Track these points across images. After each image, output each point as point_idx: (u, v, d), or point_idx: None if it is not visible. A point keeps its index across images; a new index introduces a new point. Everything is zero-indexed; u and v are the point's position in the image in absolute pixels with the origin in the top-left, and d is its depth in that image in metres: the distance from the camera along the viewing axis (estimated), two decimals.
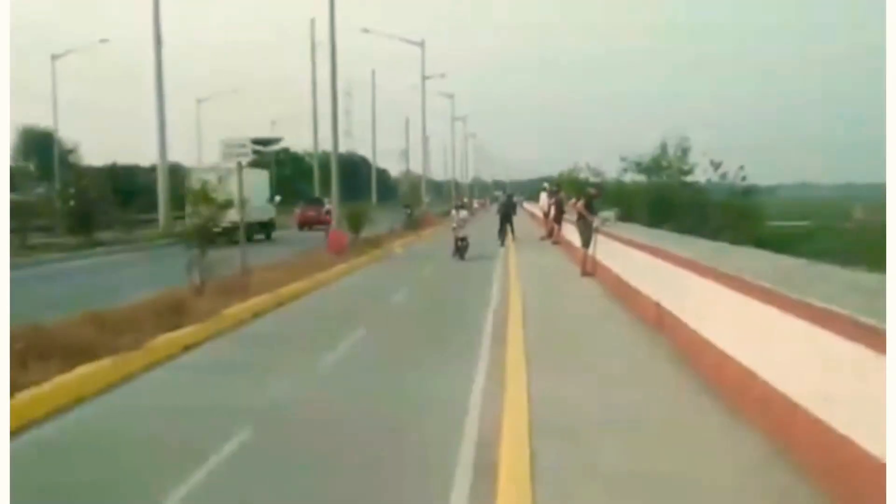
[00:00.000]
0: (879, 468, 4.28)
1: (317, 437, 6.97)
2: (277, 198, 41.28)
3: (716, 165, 32.46)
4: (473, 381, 8.80)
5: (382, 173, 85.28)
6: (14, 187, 45.12)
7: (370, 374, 9.49)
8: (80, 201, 36.84)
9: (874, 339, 4.40)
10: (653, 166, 33.73)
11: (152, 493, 5.53)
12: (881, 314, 4.63)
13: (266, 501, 5.51)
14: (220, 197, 15.70)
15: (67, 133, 67.93)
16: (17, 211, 37.90)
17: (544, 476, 5.34)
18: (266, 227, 37.93)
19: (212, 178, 17.40)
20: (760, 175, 37.27)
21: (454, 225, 24.44)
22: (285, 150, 78.37)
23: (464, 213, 25.22)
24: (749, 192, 33.99)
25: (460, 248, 23.58)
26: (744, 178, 33.08)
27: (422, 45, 56.84)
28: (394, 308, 14.90)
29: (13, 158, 61.32)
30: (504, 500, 5.03)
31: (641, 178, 34.20)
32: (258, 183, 35.30)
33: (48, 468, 6.31)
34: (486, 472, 5.69)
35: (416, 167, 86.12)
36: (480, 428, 6.93)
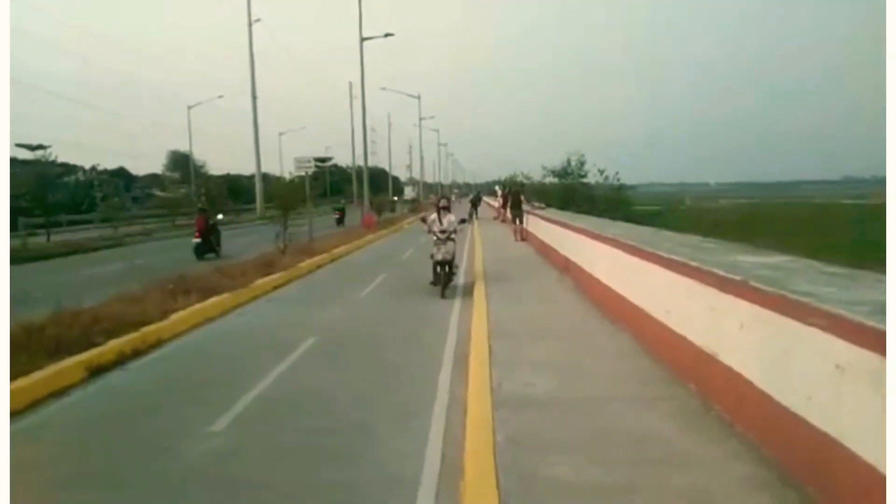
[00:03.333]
0: (698, 351, 4.33)
1: (358, 337, 6.95)
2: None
3: (601, 171, 32.38)
4: (454, 303, 8.79)
5: (395, 179, 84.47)
6: (164, 189, 44.47)
7: (389, 300, 9.49)
8: (208, 197, 37.00)
9: (699, 274, 4.43)
10: (561, 172, 33.60)
11: (262, 371, 5.53)
12: (702, 260, 4.66)
13: (328, 374, 5.51)
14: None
15: (199, 154, 66.78)
16: (169, 203, 38.07)
17: (497, 360, 5.37)
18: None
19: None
20: (627, 177, 37.14)
21: (434, 239, 9.76)
22: (335, 165, 77.57)
23: (451, 217, 10.02)
24: (621, 188, 34.13)
25: (438, 276, 9.48)
26: (618, 179, 33.20)
27: (419, 97, 55.78)
28: (403, 261, 14.81)
29: (165, 172, 60.20)
30: (473, 376, 5.04)
31: (555, 180, 34.02)
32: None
33: (195, 359, 6.31)
34: (461, 359, 5.69)
35: (416, 175, 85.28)
36: (459, 331, 6.91)
